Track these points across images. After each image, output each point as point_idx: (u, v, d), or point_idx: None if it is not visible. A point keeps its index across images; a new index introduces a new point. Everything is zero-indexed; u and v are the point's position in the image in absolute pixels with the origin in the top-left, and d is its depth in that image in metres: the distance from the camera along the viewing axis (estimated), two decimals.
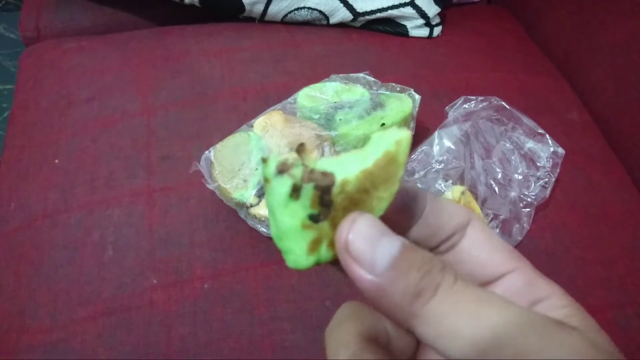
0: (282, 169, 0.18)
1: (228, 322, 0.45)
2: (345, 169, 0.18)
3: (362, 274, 0.17)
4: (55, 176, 0.55)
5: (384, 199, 0.19)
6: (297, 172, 0.18)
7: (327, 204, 0.18)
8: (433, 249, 0.21)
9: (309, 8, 0.72)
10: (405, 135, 0.18)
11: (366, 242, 0.17)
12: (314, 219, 0.18)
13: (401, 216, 0.20)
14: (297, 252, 0.19)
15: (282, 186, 0.18)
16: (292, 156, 0.18)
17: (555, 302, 0.19)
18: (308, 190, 0.18)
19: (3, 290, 0.48)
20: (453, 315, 0.16)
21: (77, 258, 0.49)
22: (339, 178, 0.18)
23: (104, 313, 0.45)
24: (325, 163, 0.19)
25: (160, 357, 0.43)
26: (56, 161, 0.57)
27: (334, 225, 0.18)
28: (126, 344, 0.44)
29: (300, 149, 0.19)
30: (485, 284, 0.21)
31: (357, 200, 0.18)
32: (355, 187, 0.18)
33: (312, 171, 0.18)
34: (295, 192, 0.18)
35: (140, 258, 0.48)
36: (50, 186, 0.55)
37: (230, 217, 0.50)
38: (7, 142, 0.61)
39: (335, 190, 0.18)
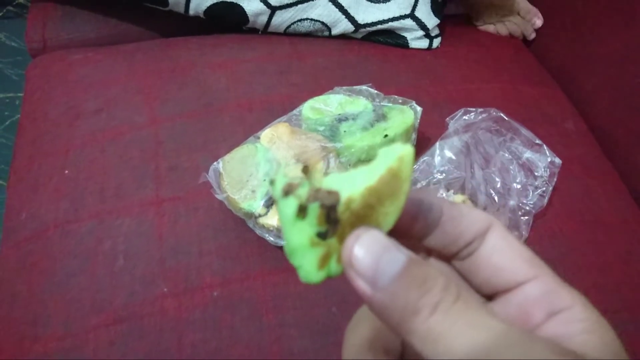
0: (288, 190, 0.18)
1: (237, 329, 0.46)
2: (351, 186, 0.19)
3: (365, 289, 0.18)
4: (66, 186, 0.56)
5: (390, 213, 0.19)
6: (303, 192, 0.18)
7: (333, 221, 0.18)
8: (453, 256, 0.21)
9: (311, 19, 0.74)
10: (407, 151, 0.18)
11: (369, 258, 0.18)
12: (321, 235, 0.19)
13: (415, 225, 0.21)
14: (307, 267, 0.20)
15: (288, 207, 0.18)
16: (299, 175, 0.19)
17: (574, 315, 0.19)
18: (314, 209, 0.18)
19: (16, 299, 0.49)
20: (449, 335, 0.16)
21: (89, 267, 0.50)
22: (344, 196, 0.18)
23: (115, 321, 0.47)
24: (331, 180, 0.19)
25: None
26: (66, 172, 0.58)
27: (342, 241, 0.19)
28: (138, 350, 0.45)
29: (305, 169, 0.20)
30: (503, 291, 0.21)
31: (363, 216, 0.19)
32: (361, 204, 0.18)
33: (318, 190, 0.18)
34: (302, 211, 0.18)
35: (151, 267, 0.50)
36: (61, 196, 0.56)
37: (238, 226, 0.52)
38: (16, 153, 0.63)
39: (340, 207, 0.18)
